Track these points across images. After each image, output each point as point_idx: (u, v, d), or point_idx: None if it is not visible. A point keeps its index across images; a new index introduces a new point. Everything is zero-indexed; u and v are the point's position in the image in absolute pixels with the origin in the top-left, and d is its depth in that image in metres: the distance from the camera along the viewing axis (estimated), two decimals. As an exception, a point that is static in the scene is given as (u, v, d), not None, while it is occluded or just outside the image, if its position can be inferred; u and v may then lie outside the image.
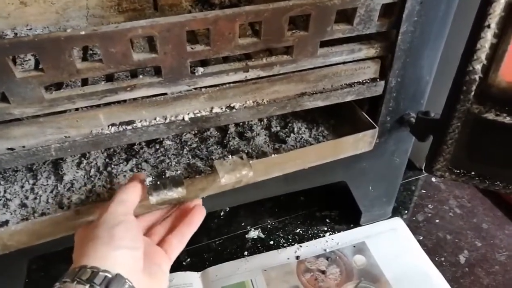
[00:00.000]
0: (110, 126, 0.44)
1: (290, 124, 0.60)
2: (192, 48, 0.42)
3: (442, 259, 0.66)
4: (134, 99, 0.44)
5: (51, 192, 0.51)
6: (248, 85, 0.47)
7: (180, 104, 0.45)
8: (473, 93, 0.44)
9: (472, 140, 0.48)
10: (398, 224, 0.71)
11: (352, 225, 0.71)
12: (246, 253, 0.67)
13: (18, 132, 0.42)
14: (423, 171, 0.54)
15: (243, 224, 0.72)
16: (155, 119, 0.45)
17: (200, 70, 0.44)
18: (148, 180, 0.43)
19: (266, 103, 0.48)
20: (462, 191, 0.77)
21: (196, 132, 0.59)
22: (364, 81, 0.51)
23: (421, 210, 0.74)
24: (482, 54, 0.41)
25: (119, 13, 0.61)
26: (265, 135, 0.59)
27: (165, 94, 0.44)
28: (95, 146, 0.44)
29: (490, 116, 0.45)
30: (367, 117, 0.56)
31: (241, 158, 0.47)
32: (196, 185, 0.50)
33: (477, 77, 0.43)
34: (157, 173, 0.49)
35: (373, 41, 0.49)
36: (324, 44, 0.47)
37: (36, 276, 0.64)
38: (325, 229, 0.70)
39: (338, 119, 0.60)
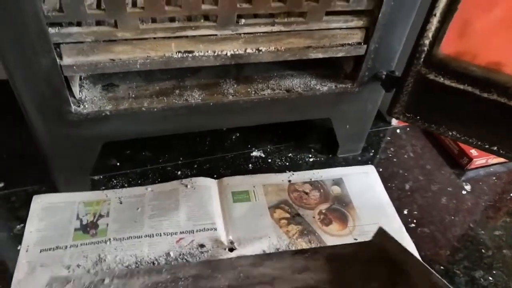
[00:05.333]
0: (177, 53, 0.64)
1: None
2: (240, 5, 0.62)
3: (393, 185, 0.90)
4: (195, 36, 0.64)
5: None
6: (272, 35, 0.67)
7: (225, 44, 0.66)
8: (422, 59, 0.66)
9: (419, 93, 0.70)
10: (370, 170, 0.92)
11: (330, 155, 0.94)
12: (250, 166, 0.90)
13: (118, 49, 0.62)
14: (387, 114, 0.75)
15: (249, 146, 0.94)
16: (207, 51, 0.66)
17: (243, 21, 0.64)
18: None
19: (283, 50, 0.69)
20: (417, 141, 1.01)
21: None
22: (352, 43, 0.72)
23: (384, 151, 0.98)
24: (430, 33, 0.63)
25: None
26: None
27: (216, 35, 0.65)
28: (165, 65, 0.65)
29: (431, 76, 0.66)
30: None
31: None
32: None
33: (425, 49, 0.64)
34: None
35: (361, 15, 0.70)
36: (327, 13, 0.67)
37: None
38: (310, 156, 0.94)
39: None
